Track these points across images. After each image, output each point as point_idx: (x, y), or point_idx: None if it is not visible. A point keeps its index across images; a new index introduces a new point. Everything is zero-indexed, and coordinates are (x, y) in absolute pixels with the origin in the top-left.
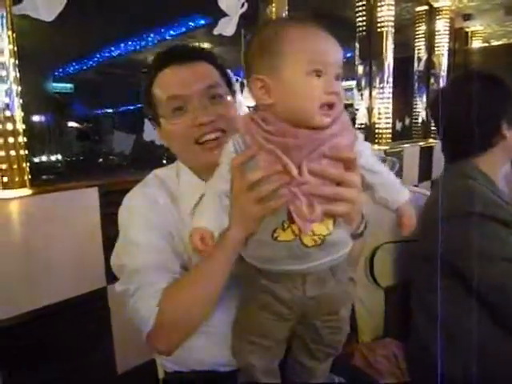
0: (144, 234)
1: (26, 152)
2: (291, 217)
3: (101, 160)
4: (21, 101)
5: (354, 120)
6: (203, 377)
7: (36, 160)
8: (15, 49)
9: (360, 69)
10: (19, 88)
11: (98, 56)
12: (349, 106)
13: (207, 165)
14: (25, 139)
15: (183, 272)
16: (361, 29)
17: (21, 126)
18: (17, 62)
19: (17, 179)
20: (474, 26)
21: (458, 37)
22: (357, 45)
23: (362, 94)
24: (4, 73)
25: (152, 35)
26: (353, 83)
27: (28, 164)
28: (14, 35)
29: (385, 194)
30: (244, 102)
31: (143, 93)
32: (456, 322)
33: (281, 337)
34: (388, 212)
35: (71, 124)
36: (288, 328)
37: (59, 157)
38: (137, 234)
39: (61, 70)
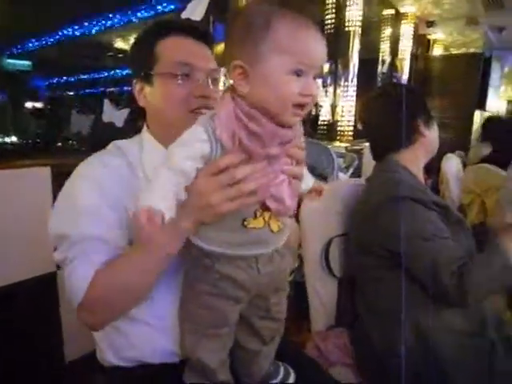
0: (95, 204)
1: None
2: (264, 205)
3: (59, 144)
4: None
5: (317, 117)
6: (146, 371)
7: None
8: None
9: (326, 66)
10: None
11: (59, 34)
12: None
13: None
14: None
15: (129, 248)
16: (329, 27)
17: None
18: None
19: None
20: (436, 34)
21: (421, 43)
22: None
23: (326, 91)
24: None
25: (118, 16)
26: (319, 81)
27: None
28: None
29: (304, 182)
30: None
31: (136, 51)
32: (394, 307)
33: (234, 321)
34: (339, 205)
35: (28, 104)
36: (239, 310)
37: (14, 138)
38: (87, 204)
39: (19, 46)
